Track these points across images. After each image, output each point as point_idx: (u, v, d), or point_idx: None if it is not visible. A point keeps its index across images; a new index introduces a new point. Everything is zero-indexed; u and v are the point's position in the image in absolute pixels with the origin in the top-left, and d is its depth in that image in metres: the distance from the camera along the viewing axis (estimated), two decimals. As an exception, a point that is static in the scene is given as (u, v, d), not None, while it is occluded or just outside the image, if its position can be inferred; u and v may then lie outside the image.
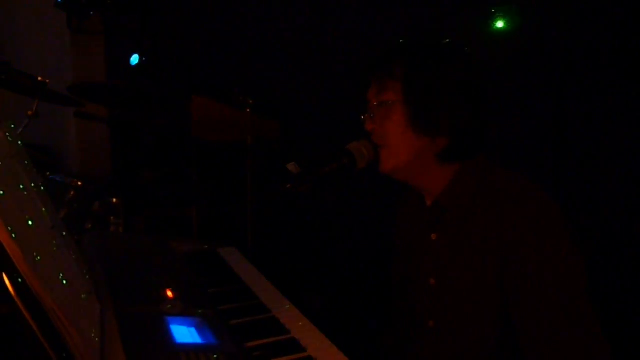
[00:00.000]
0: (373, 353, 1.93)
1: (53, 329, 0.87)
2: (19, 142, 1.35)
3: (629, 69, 3.06)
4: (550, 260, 1.33)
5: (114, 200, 2.78)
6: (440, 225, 1.52)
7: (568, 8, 3.19)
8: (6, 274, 0.84)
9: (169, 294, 1.49)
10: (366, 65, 1.55)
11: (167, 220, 3.88)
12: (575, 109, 3.24)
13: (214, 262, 2.04)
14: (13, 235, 0.87)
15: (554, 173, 3.30)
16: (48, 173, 2.80)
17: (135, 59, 4.25)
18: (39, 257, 0.93)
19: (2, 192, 0.96)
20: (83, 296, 1.14)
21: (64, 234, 1.36)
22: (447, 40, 1.51)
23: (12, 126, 1.35)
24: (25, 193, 1.14)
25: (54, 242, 1.15)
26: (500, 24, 3.32)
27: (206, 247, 2.18)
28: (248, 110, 3.02)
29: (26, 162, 1.32)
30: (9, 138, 1.25)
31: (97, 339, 1.07)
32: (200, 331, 1.36)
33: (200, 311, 1.45)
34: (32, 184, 1.23)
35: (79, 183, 2.70)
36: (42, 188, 1.35)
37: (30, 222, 1.02)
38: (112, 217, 2.75)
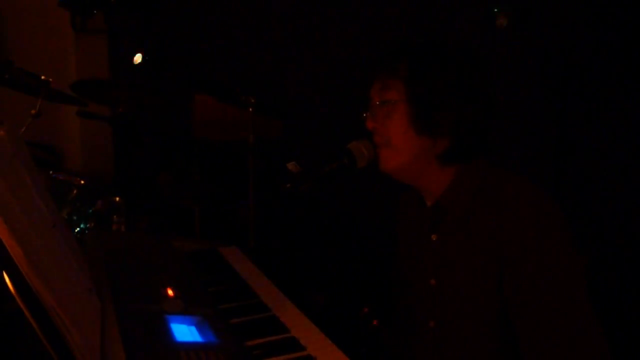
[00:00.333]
0: (374, 353, 1.94)
1: (53, 327, 0.88)
2: (21, 141, 1.36)
3: (632, 69, 3.06)
4: (550, 262, 1.32)
5: (117, 199, 2.78)
6: (441, 226, 1.52)
7: (570, 7, 3.19)
8: (7, 272, 0.85)
9: (170, 292, 1.50)
10: (371, 62, 1.55)
11: (169, 219, 3.89)
12: (577, 108, 3.24)
13: (215, 261, 2.05)
14: (14, 234, 0.88)
15: (556, 173, 3.30)
16: (51, 171, 2.82)
17: (138, 57, 4.25)
18: (39, 256, 0.94)
19: (3, 191, 0.97)
20: (83, 294, 1.15)
21: (66, 232, 1.37)
22: (454, 42, 1.51)
23: (14, 125, 1.35)
24: (26, 191, 1.14)
25: (55, 240, 1.15)
26: (502, 23, 3.31)
27: (208, 246, 2.19)
28: (250, 109, 3.02)
29: (28, 161, 1.32)
30: (10, 137, 1.26)
31: (97, 337, 1.08)
32: (200, 330, 1.37)
33: (200, 310, 1.45)
34: (33, 183, 1.24)
35: (82, 182, 2.71)
36: (44, 187, 1.36)
37: (31, 221, 1.03)
38: (114, 216, 2.75)
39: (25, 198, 1.11)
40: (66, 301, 0.94)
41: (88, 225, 2.71)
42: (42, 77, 2.69)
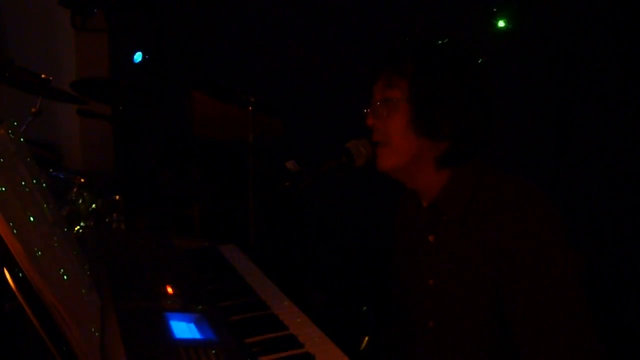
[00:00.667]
0: (372, 350, 1.94)
1: (54, 324, 0.88)
2: (21, 139, 1.36)
3: (631, 68, 3.06)
4: (546, 261, 1.33)
5: (116, 197, 2.79)
6: (438, 227, 1.52)
7: (569, 7, 3.20)
8: (7, 269, 0.85)
9: (169, 290, 1.51)
10: (375, 58, 1.55)
11: (169, 217, 3.90)
12: (577, 108, 3.25)
13: (214, 259, 2.05)
14: (14, 231, 0.88)
15: (556, 172, 3.31)
16: (51, 170, 2.82)
17: (138, 56, 4.27)
18: (39, 253, 0.95)
19: (4, 189, 0.97)
20: (83, 291, 1.16)
21: (65, 230, 1.37)
22: (459, 44, 1.50)
23: (15, 123, 1.36)
24: (27, 190, 1.15)
25: (55, 238, 1.16)
26: (501, 23, 3.32)
27: (206, 244, 2.20)
28: (250, 108, 3.02)
29: (28, 159, 1.33)
30: (11, 135, 1.27)
31: (97, 334, 1.09)
32: (199, 327, 1.38)
33: (199, 307, 1.46)
34: (34, 181, 1.25)
35: (82, 180, 2.72)
36: (44, 185, 1.37)
37: (31, 219, 1.03)
38: (114, 215, 2.76)
39: (25, 196, 1.12)
40: (66, 298, 0.95)
41: (88, 224, 2.71)
42: (43, 76, 2.69)
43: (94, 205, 2.77)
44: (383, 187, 1.90)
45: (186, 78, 4.37)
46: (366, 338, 1.99)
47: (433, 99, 1.42)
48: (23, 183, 1.14)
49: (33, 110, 2.67)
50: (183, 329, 1.34)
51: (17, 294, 0.85)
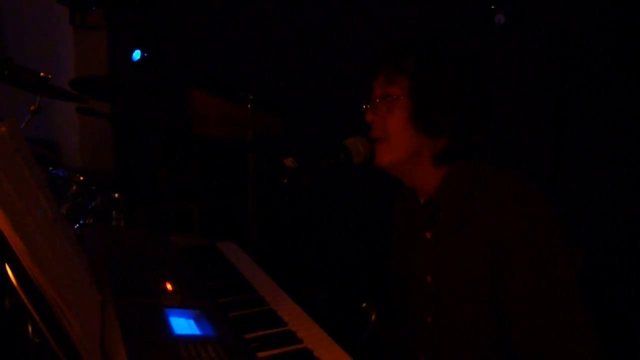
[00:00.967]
0: (371, 347, 1.95)
1: (54, 318, 0.89)
2: (22, 137, 1.37)
3: (629, 66, 3.07)
4: (542, 256, 1.34)
5: (116, 195, 2.79)
6: (435, 223, 1.53)
7: (567, 5, 3.20)
8: (9, 264, 0.86)
9: (169, 286, 1.51)
10: (375, 55, 1.56)
11: (168, 215, 3.91)
12: (575, 104, 3.26)
13: (213, 256, 2.06)
14: (16, 227, 0.89)
15: (553, 170, 3.32)
16: (50, 168, 2.83)
17: (137, 54, 4.27)
18: (40, 249, 0.96)
19: (4, 186, 0.98)
20: (84, 287, 1.17)
21: (66, 227, 1.38)
22: (460, 42, 1.51)
23: (15, 121, 1.37)
24: (27, 187, 1.16)
25: (55, 234, 1.17)
26: (500, 20, 3.33)
27: (205, 241, 2.20)
28: (249, 105, 3.03)
29: (29, 157, 1.34)
30: (11, 133, 1.27)
31: (97, 329, 1.10)
32: (198, 323, 1.38)
33: (199, 304, 1.47)
34: (35, 178, 1.26)
35: (81, 178, 2.72)
36: (44, 182, 1.37)
37: (32, 215, 1.04)
38: (113, 212, 2.76)
39: (26, 193, 1.13)
40: (67, 293, 0.96)
41: (87, 221, 2.72)
42: (41, 74, 2.69)
43: (93, 203, 2.78)
44: (381, 184, 1.91)
45: (185, 76, 4.37)
46: (366, 334, 2.00)
47: (433, 96, 1.43)
48: (24, 180, 1.15)
49: (32, 108, 2.67)
50: (182, 325, 1.35)
51: (18, 289, 0.86)
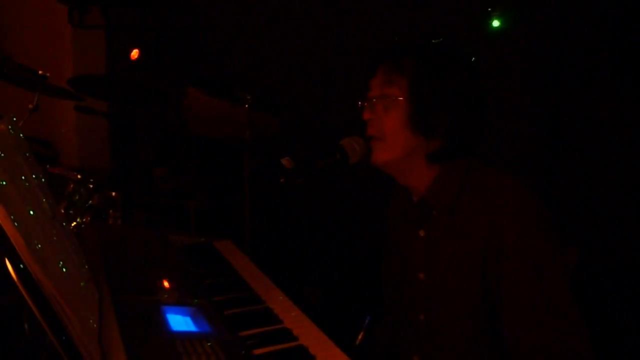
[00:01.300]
0: (366, 345, 1.97)
1: (54, 314, 0.91)
2: (21, 135, 1.38)
3: (624, 69, 3.09)
4: (531, 252, 1.36)
5: (113, 193, 2.80)
6: (428, 222, 1.55)
7: (563, 8, 3.22)
8: (9, 260, 0.88)
9: (166, 284, 1.53)
10: (374, 53, 1.57)
11: (165, 213, 3.92)
12: (569, 106, 3.28)
13: (210, 255, 2.07)
14: (15, 224, 0.91)
15: (548, 170, 3.34)
16: (48, 166, 2.83)
17: (135, 53, 4.28)
18: (39, 245, 0.97)
19: (4, 183, 0.99)
20: (82, 284, 1.18)
21: (64, 224, 1.40)
22: (459, 47, 1.52)
23: (14, 119, 1.38)
24: (27, 184, 1.17)
25: (54, 231, 1.18)
26: (496, 23, 3.35)
27: (202, 239, 2.22)
28: (246, 105, 3.04)
29: (27, 155, 1.35)
30: (11, 131, 1.29)
31: (95, 325, 1.11)
32: (195, 320, 1.40)
33: (195, 301, 1.49)
34: (33, 176, 1.27)
35: (79, 176, 2.73)
36: (43, 180, 1.39)
37: (31, 212, 1.05)
38: (110, 211, 2.77)
39: (26, 190, 1.14)
40: (65, 289, 0.97)
41: (84, 220, 2.72)
42: (40, 72, 2.70)
43: (90, 202, 2.78)
44: (377, 183, 1.92)
45: (183, 75, 4.38)
46: (361, 333, 2.02)
47: (432, 98, 1.44)
48: (23, 178, 1.16)
49: (30, 106, 2.68)
50: (179, 321, 1.37)
51: (18, 284, 0.88)
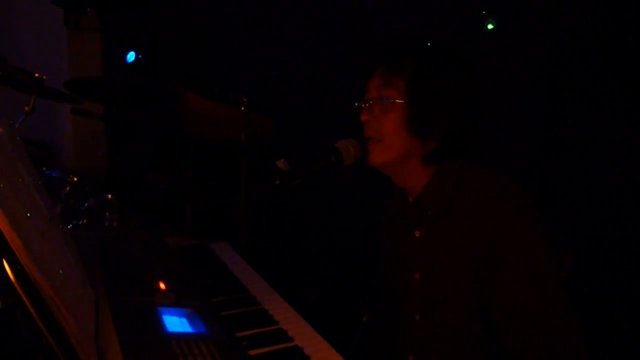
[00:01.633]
0: (361, 346, 1.97)
1: (50, 314, 0.91)
2: (18, 137, 1.39)
3: (618, 70, 3.11)
4: (524, 252, 1.38)
5: (109, 196, 2.81)
6: (423, 222, 1.57)
7: (557, 10, 3.24)
8: (6, 261, 0.89)
9: (162, 286, 1.54)
10: (371, 53, 1.57)
11: (162, 216, 3.92)
12: (564, 108, 3.30)
13: (206, 256, 2.08)
14: (12, 226, 0.91)
15: (544, 172, 3.35)
16: (44, 168, 2.83)
17: (131, 55, 4.29)
18: (36, 247, 0.98)
19: (1, 185, 1.00)
20: (79, 285, 1.19)
21: (61, 226, 1.40)
22: (455, 47, 1.53)
23: (11, 122, 1.39)
24: (24, 186, 1.18)
25: (51, 233, 1.19)
26: (490, 26, 3.37)
27: (199, 241, 2.22)
28: (242, 108, 3.05)
29: (24, 157, 1.36)
30: (7, 133, 1.29)
31: (92, 326, 1.12)
32: (191, 321, 1.41)
33: (191, 302, 1.49)
34: (30, 178, 1.28)
35: (75, 179, 2.73)
36: (39, 182, 1.39)
37: (28, 214, 1.06)
38: (107, 213, 2.77)
39: (23, 192, 1.15)
40: (62, 290, 0.98)
41: (81, 222, 2.73)
42: (36, 75, 2.70)
43: (86, 204, 2.79)
44: (373, 184, 1.94)
45: (179, 77, 4.39)
46: (357, 333, 2.03)
47: (429, 102, 1.45)
48: (20, 180, 1.17)
49: (26, 109, 2.67)
50: (175, 322, 1.37)
51: (16, 285, 0.88)
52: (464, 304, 1.48)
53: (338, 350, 1.38)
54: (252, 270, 1.92)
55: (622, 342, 2.93)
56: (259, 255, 2.55)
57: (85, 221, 2.73)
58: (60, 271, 1.07)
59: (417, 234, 1.59)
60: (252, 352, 1.34)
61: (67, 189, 2.70)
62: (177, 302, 1.46)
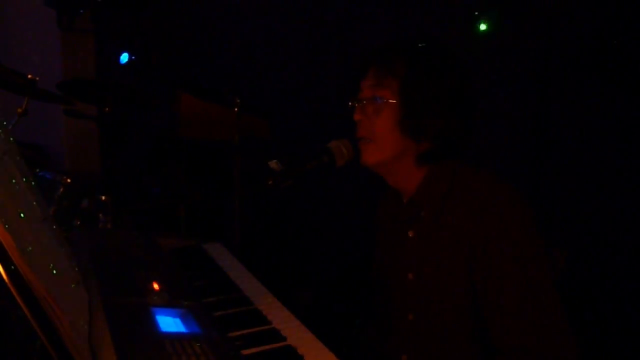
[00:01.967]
0: (354, 345, 1.98)
1: (44, 314, 0.92)
2: (11, 139, 1.39)
3: (610, 70, 3.13)
4: (517, 253, 1.39)
5: (103, 197, 2.80)
6: (417, 222, 1.58)
7: (549, 11, 3.26)
8: (0, 262, 0.89)
9: (155, 286, 1.53)
10: (367, 53, 1.58)
11: (155, 217, 3.92)
12: (556, 108, 3.31)
13: (200, 257, 2.09)
14: (6, 226, 0.92)
15: (536, 172, 3.37)
16: (37, 170, 2.83)
17: (124, 57, 4.28)
18: (30, 248, 0.98)
19: (-5, 186, 1.01)
20: (72, 286, 1.19)
21: (54, 227, 1.40)
22: (447, 48, 1.54)
23: (4, 123, 1.39)
24: (17, 187, 1.18)
25: (45, 234, 1.19)
26: (483, 27, 3.39)
27: (192, 242, 2.22)
28: (236, 109, 3.06)
29: (18, 158, 1.36)
30: (1, 134, 1.30)
31: (85, 326, 1.12)
32: (185, 321, 1.41)
33: (185, 303, 1.49)
34: (24, 179, 1.28)
35: (68, 180, 2.72)
36: (33, 184, 1.39)
37: (22, 215, 1.06)
38: (100, 214, 2.77)
39: (16, 192, 1.15)
40: (56, 291, 0.98)
41: (74, 224, 2.72)
42: (29, 76, 2.69)
43: (80, 205, 2.78)
44: (366, 184, 1.95)
45: (172, 79, 4.39)
46: (351, 333, 2.03)
47: (422, 102, 1.46)
48: (14, 181, 1.17)
49: (19, 110, 2.67)
50: (169, 323, 1.37)
51: (8, 285, 0.89)
52: (456, 304, 1.48)
53: (331, 350, 1.39)
54: (246, 270, 1.93)
55: (615, 342, 2.95)
56: (252, 256, 2.56)
57: (78, 222, 2.72)
58: (54, 272, 1.07)
59: (410, 234, 1.59)
60: (245, 352, 1.35)
61: (61, 190, 2.69)
62: (170, 303, 1.46)
